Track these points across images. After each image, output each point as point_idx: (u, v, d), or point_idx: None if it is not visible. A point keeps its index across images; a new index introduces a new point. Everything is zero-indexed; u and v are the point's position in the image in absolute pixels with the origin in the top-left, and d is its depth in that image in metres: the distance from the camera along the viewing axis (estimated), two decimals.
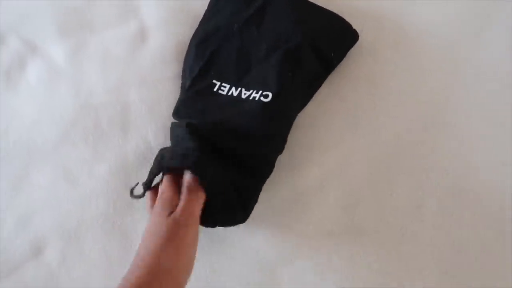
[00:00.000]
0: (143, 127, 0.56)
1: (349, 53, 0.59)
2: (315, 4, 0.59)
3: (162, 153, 0.46)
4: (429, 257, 0.50)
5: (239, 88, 0.53)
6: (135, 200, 0.44)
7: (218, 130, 0.48)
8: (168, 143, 0.53)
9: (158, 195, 0.43)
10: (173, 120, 0.54)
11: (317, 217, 0.52)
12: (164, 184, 0.44)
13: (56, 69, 0.60)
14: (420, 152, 0.55)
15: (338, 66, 0.58)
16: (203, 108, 0.52)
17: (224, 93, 0.53)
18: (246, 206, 0.47)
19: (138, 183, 0.45)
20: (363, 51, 0.60)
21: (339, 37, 0.58)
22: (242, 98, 0.52)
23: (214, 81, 0.54)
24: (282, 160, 0.52)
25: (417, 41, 0.61)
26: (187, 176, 0.43)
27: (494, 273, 0.50)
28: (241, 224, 0.48)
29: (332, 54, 0.57)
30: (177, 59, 0.59)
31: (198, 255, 0.50)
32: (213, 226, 0.49)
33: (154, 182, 0.46)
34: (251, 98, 0.51)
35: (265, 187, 0.49)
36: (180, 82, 0.58)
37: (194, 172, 0.43)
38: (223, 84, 0.54)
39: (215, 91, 0.53)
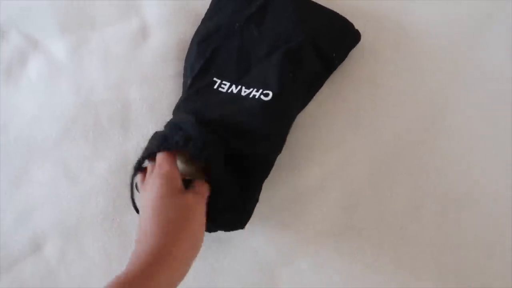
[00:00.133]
0: (143, 125, 0.56)
1: (350, 53, 0.59)
2: (317, 4, 0.59)
3: (164, 134, 0.45)
4: (428, 258, 0.50)
5: (239, 86, 0.53)
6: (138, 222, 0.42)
7: (217, 127, 0.48)
8: None
9: (155, 169, 0.40)
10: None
11: (317, 217, 0.52)
12: (161, 158, 0.40)
13: (57, 66, 0.60)
14: (420, 153, 0.55)
15: (339, 66, 0.58)
16: (202, 105, 0.51)
17: (224, 90, 0.53)
18: (245, 206, 0.47)
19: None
20: (364, 51, 0.60)
21: (340, 37, 0.58)
22: (242, 96, 0.51)
23: (214, 78, 0.54)
24: (282, 160, 0.52)
25: (418, 42, 0.61)
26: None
27: (493, 274, 0.50)
28: None
29: (334, 54, 0.57)
30: (178, 57, 0.59)
31: (198, 254, 0.50)
32: (215, 230, 0.49)
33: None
34: (251, 96, 0.51)
35: (265, 186, 0.49)
36: (182, 80, 0.58)
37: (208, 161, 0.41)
38: (224, 82, 0.54)
39: (215, 89, 0.53)
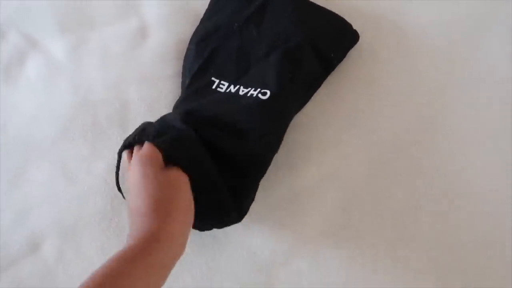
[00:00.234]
0: None
1: (348, 53, 0.59)
2: (315, 4, 0.59)
3: (143, 127, 0.46)
4: (427, 258, 0.50)
5: (238, 86, 0.53)
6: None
7: (213, 126, 0.48)
8: None
9: (136, 153, 0.42)
10: None
11: (315, 217, 0.52)
12: (144, 146, 0.42)
13: (56, 65, 0.60)
14: (418, 153, 0.55)
15: (337, 66, 0.58)
16: (200, 104, 0.51)
17: (223, 90, 0.53)
18: (240, 205, 0.47)
19: None
20: (362, 52, 0.60)
21: (339, 37, 0.58)
22: (240, 95, 0.52)
23: (213, 78, 0.54)
24: (279, 159, 0.52)
25: (417, 42, 0.61)
26: None
27: (492, 275, 0.50)
28: (238, 223, 0.48)
29: (332, 54, 0.57)
30: (177, 57, 0.59)
31: (194, 253, 0.50)
32: (210, 228, 0.49)
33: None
34: (248, 95, 0.51)
35: (262, 186, 0.49)
36: (180, 80, 0.58)
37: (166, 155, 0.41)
38: (222, 82, 0.54)
39: (213, 89, 0.53)
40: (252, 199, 0.49)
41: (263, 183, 0.50)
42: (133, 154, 0.43)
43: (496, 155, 0.55)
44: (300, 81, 0.53)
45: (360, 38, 0.59)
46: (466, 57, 0.60)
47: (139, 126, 0.46)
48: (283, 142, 0.52)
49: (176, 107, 0.54)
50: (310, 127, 0.56)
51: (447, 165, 0.54)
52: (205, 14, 0.61)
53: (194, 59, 0.56)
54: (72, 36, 0.62)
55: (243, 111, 0.49)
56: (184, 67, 0.58)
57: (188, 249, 0.50)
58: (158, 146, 0.42)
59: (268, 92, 0.50)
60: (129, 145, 0.45)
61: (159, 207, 0.38)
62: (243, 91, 0.52)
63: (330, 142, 0.55)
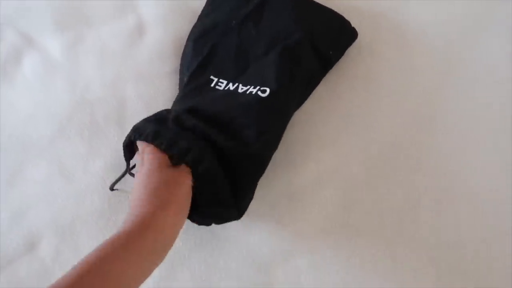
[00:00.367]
0: None
1: (346, 51, 0.59)
2: (314, 2, 0.59)
3: (138, 126, 0.45)
4: (426, 256, 0.50)
5: (236, 84, 0.53)
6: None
7: (212, 123, 0.47)
8: None
9: (142, 152, 0.43)
10: None
11: (313, 215, 0.52)
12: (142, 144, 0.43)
13: (53, 63, 0.59)
14: (416, 151, 0.55)
15: (336, 64, 0.58)
16: (198, 102, 0.51)
17: (221, 88, 0.53)
18: (238, 204, 0.46)
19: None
20: (361, 49, 0.60)
21: (338, 35, 0.58)
22: (239, 92, 0.51)
23: (211, 77, 0.54)
24: (278, 157, 0.52)
25: (415, 40, 0.61)
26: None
27: (491, 274, 0.50)
28: (236, 221, 0.48)
29: (331, 52, 0.57)
30: (175, 55, 0.59)
31: (193, 251, 0.50)
32: (208, 224, 0.49)
33: None
34: (247, 92, 0.51)
35: (260, 183, 0.49)
36: (178, 77, 0.57)
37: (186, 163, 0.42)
38: (221, 79, 0.54)
39: (212, 87, 0.53)
40: (251, 198, 0.49)
41: (261, 180, 0.49)
42: (141, 153, 0.43)
43: (496, 154, 0.55)
44: (299, 78, 0.53)
45: (359, 35, 0.59)
46: (465, 55, 0.60)
47: (132, 127, 0.46)
48: (281, 140, 0.52)
49: (175, 105, 0.54)
50: (309, 124, 0.56)
51: (446, 163, 0.54)
52: (203, 11, 0.60)
53: (192, 56, 0.56)
54: (68, 34, 0.61)
55: (242, 107, 0.49)
56: (182, 64, 0.58)
57: (187, 246, 0.51)
58: (158, 147, 0.42)
59: (268, 90, 0.50)
60: (127, 145, 0.45)
61: (155, 198, 0.39)
62: (242, 88, 0.52)
63: (329, 140, 0.55)
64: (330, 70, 0.58)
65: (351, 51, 0.59)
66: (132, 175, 0.48)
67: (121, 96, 0.57)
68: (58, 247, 0.51)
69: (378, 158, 0.55)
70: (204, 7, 0.60)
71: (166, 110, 0.49)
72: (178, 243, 0.51)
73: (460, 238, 0.51)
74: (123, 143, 0.46)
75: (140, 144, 0.44)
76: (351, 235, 0.51)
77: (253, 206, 0.49)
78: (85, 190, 0.53)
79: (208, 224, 0.48)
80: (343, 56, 0.59)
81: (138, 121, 0.56)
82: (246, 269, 0.50)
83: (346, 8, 0.60)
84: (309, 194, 0.53)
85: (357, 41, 0.60)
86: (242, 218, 0.48)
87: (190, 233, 0.51)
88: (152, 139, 0.42)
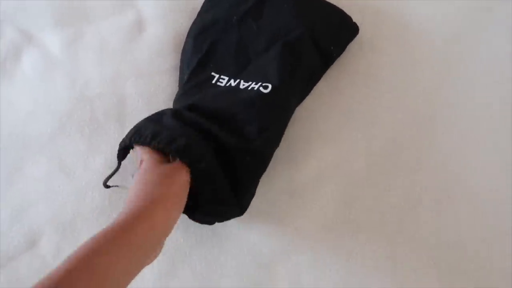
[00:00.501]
0: (139, 119, 0.55)
1: (348, 46, 0.59)
2: None
3: (138, 127, 0.45)
4: (426, 253, 0.50)
5: (238, 80, 0.52)
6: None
7: (213, 120, 0.47)
8: None
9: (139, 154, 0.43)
10: None
11: (313, 212, 0.52)
12: (142, 150, 0.43)
13: (52, 60, 0.59)
14: (417, 148, 0.55)
15: (337, 59, 0.58)
16: (200, 99, 0.51)
17: (223, 85, 0.53)
18: (240, 201, 0.46)
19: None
20: (362, 45, 0.60)
21: (339, 30, 0.58)
22: (240, 89, 0.51)
23: (213, 73, 0.54)
24: (279, 153, 0.52)
25: (417, 36, 0.61)
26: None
27: (491, 272, 0.50)
28: (237, 218, 0.48)
29: (332, 48, 0.56)
30: (175, 51, 0.59)
31: (194, 248, 0.50)
32: (210, 222, 0.48)
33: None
34: (249, 88, 0.50)
35: (261, 180, 0.49)
36: (178, 74, 0.57)
37: (180, 157, 0.41)
38: (222, 76, 0.53)
39: (213, 83, 0.53)
40: (253, 194, 0.49)
41: (262, 177, 0.49)
42: (139, 153, 0.43)
43: (494, 151, 0.55)
44: (300, 74, 0.53)
45: (360, 31, 0.59)
46: (465, 55, 0.60)
47: (133, 127, 0.46)
48: (283, 136, 0.51)
49: (175, 101, 0.53)
50: (310, 120, 0.56)
51: (447, 162, 0.54)
52: (202, 7, 0.60)
53: (192, 53, 0.56)
54: (68, 30, 0.61)
55: (244, 104, 0.49)
56: (182, 61, 0.57)
57: (188, 243, 0.51)
58: (155, 147, 0.42)
59: (270, 86, 0.50)
60: (125, 147, 0.44)
61: (148, 193, 0.39)
62: (243, 85, 0.51)
63: (330, 136, 0.55)
64: (331, 66, 0.58)
65: (352, 46, 0.59)
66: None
67: (121, 93, 0.57)
68: (59, 244, 0.51)
69: (379, 155, 0.54)
70: (204, 4, 0.60)
71: (169, 109, 0.48)
72: (179, 240, 0.51)
73: (460, 238, 0.51)
74: (121, 144, 0.45)
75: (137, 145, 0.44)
76: (352, 232, 0.51)
77: (254, 203, 0.49)
78: (86, 187, 0.53)
79: (210, 223, 0.48)
80: (344, 52, 0.58)
81: (138, 119, 0.55)
82: (246, 266, 0.50)
83: (347, 4, 0.59)
84: (310, 190, 0.52)
85: (358, 37, 0.59)
86: (243, 215, 0.48)
87: (191, 230, 0.51)
88: (150, 141, 0.42)
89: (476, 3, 0.63)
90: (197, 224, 0.49)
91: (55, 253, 0.51)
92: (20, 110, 0.57)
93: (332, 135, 0.55)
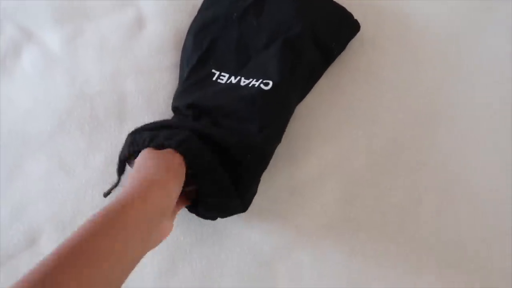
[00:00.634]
0: (139, 117, 0.56)
1: (349, 44, 0.58)
2: None
3: (134, 138, 0.44)
4: (427, 251, 0.50)
5: (238, 77, 0.52)
6: None
7: (214, 117, 0.47)
8: None
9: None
10: (170, 110, 0.53)
11: (314, 210, 0.51)
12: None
13: (52, 57, 0.59)
14: (418, 146, 0.55)
15: (338, 57, 0.58)
16: (200, 96, 0.51)
17: (223, 82, 0.52)
18: (242, 198, 0.46)
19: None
20: (363, 42, 0.59)
21: (340, 27, 0.57)
22: (241, 85, 0.51)
23: (213, 70, 0.54)
24: (280, 150, 0.51)
25: (419, 34, 0.61)
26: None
27: (492, 271, 0.50)
28: (238, 215, 0.48)
29: (333, 45, 0.56)
30: (175, 48, 0.58)
31: (195, 246, 0.50)
32: (213, 218, 0.48)
33: None
34: (250, 85, 0.50)
35: (262, 178, 0.49)
36: (178, 71, 0.57)
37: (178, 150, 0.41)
38: (222, 73, 0.53)
39: (214, 80, 0.53)
40: (255, 192, 0.48)
41: (263, 175, 0.49)
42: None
43: (496, 150, 0.55)
44: (301, 71, 0.52)
45: (361, 28, 0.59)
46: (465, 55, 0.59)
47: (129, 139, 0.45)
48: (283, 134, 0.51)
49: (175, 99, 0.53)
50: (310, 118, 0.55)
51: (447, 162, 0.54)
52: (202, 4, 0.60)
53: (192, 50, 0.55)
54: (68, 27, 0.61)
55: (245, 101, 0.48)
56: (182, 58, 0.57)
57: (188, 241, 0.50)
58: (153, 146, 0.42)
59: (271, 83, 0.49)
60: (124, 159, 0.44)
61: (142, 175, 0.38)
62: (244, 82, 0.51)
63: (331, 133, 0.55)
64: (333, 63, 0.57)
65: (354, 43, 0.59)
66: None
67: (121, 90, 0.57)
68: (58, 242, 0.50)
69: (380, 154, 0.54)
70: (204, 1, 0.60)
71: (165, 120, 0.48)
72: (179, 237, 0.50)
73: (460, 238, 0.51)
74: (120, 156, 0.44)
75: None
76: (353, 230, 0.51)
77: (255, 200, 0.49)
78: (86, 185, 0.53)
79: (213, 218, 0.48)
80: (345, 49, 0.58)
81: (138, 116, 0.56)
82: (247, 264, 0.49)
83: (348, 1, 0.59)
84: (310, 188, 0.52)
85: (359, 34, 0.59)
86: (243, 213, 0.47)
87: (191, 228, 0.51)
88: (148, 143, 0.42)
89: (477, 3, 0.62)
90: (197, 222, 0.49)
91: None
92: (19, 107, 0.57)
93: (333, 133, 0.55)
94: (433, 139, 0.55)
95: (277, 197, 0.52)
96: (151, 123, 0.46)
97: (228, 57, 0.54)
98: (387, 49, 0.59)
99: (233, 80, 0.52)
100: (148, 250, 0.37)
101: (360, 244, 0.50)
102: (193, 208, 0.46)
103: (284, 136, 0.51)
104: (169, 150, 0.41)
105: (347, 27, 0.58)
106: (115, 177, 0.52)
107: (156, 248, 0.49)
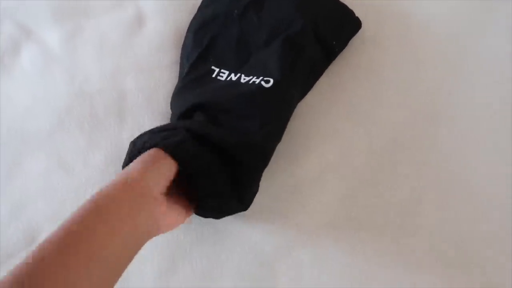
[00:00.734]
0: (139, 115, 0.55)
1: (350, 41, 0.58)
2: None
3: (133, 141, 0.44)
4: (429, 250, 0.50)
5: (238, 74, 0.52)
6: None
7: (212, 114, 0.46)
8: None
9: None
10: (170, 108, 0.53)
11: (315, 209, 0.51)
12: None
13: (51, 55, 0.59)
14: (420, 144, 0.54)
15: (339, 54, 0.57)
16: (199, 93, 0.50)
17: (223, 79, 0.52)
18: (242, 197, 0.45)
19: None
20: (365, 40, 0.59)
21: (341, 25, 0.57)
22: (241, 82, 0.50)
23: (213, 67, 0.53)
24: (280, 149, 0.51)
25: (420, 32, 0.60)
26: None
27: (494, 268, 0.49)
28: (238, 214, 0.48)
29: (334, 42, 0.56)
30: (175, 46, 0.58)
31: (195, 245, 0.50)
32: (216, 217, 0.48)
33: None
34: (250, 82, 0.50)
35: (263, 175, 0.48)
36: (178, 69, 0.57)
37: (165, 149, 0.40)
38: (222, 70, 0.53)
39: (213, 77, 0.52)
40: (256, 190, 0.48)
41: (264, 173, 0.49)
42: None
43: (498, 147, 0.54)
44: (302, 68, 0.52)
45: (363, 25, 0.58)
46: (465, 55, 0.59)
47: (129, 147, 0.45)
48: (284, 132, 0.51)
49: (175, 95, 0.53)
50: (310, 115, 0.55)
51: (450, 156, 0.54)
52: (202, 1, 0.59)
53: (192, 47, 0.55)
54: (67, 25, 0.60)
55: (244, 98, 0.48)
56: (182, 56, 0.57)
57: (188, 240, 0.50)
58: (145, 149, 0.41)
59: (272, 80, 0.49)
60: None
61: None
62: (244, 79, 0.51)
63: (331, 132, 0.54)
64: (334, 61, 0.57)
65: (355, 41, 0.59)
66: None
67: (121, 88, 0.57)
68: None
69: (381, 150, 0.54)
70: None
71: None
72: (179, 236, 0.50)
73: (463, 233, 0.50)
74: (123, 165, 0.44)
75: None
76: (354, 229, 0.51)
77: (256, 199, 0.48)
78: (85, 183, 0.53)
79: (216, 217, 0.48)
80: (346, 47, 0.58)
81: (138, 114, 0.56)
82: (248, 263, 0.49)
83: (350, 0, 0.59)
84: (311, 186, 0.52)
85: (361, 31, 0.58)
86: (244, 212, 0.47)
87: (191, 227, 0.51)
88: (141, 148, 0.41)
89: (477, 3, 0.62)
90: (197, 220, 0.49)
91: None
92: (19, 105, 0.56)
93: (334, 131, 0.55)
94: (435, 136, 0.55)
95: (277, 196, 0.52)
96: (150, 129, 0.46)
97: (228, 54, 0.54)
98: (388, 48, 0.59)
99: (233, 77, 0.51)
100: (145, 237, 0.37)
101: (362, 243, 0.50)
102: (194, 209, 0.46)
103: (284, 134, 0.51)
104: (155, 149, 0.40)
105: (348, 24, 0.58)
106: (114, 176, 0.53)
107: (156, 247, 0.49)
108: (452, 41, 0.60)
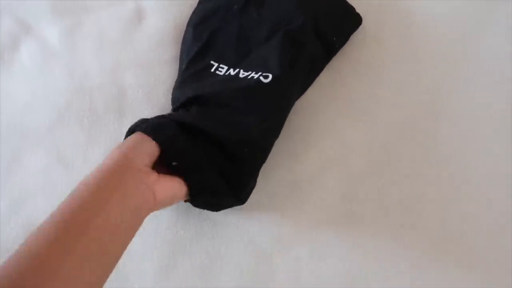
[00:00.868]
0: (139, 111, 0.55)
1: (351, 37, 0.58)
2: None
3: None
4: (429, 246, 0.50)
5: (237, 69, 0.51)
6: None
7: (210, 108, 0.46)
8: None
9: None
10: (170, 103, 0.53)
11: (315, 204, 0.51)
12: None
13: (50, 50, 0.59)
14: (420, 141, 0.54)
15: (340, 50, 0.57)
16: (198, 87, 0.50)
17: (221, 73, 0.52)
18: (239, 193, 0.45)
19: None
20: (365, 36, 0.59)
21: (341, 20, 0.57)
22: (240, 77, 0.50)
23: (212, 62, 0.53)
24: (279, 144, 0.51)
25: (421, 29, 0.60)
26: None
27: (495, 265, 0.49)
28: (237, 210, 0.48)
29: (334, 38, 0.56)
30: (175, 41, 0.58)
31: (194, 240, 0.50)
32: (214, 209, 0.48)
33: None
34: (249, 77, 0.50)
35: (261, 172, 0.48)
36: (178, 64, 0.56)
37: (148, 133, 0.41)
38: (221, 65, 0.53)
39: (212, 72, 0.52)
40: (252, 187, 0.48)
41: (262, 169, 0.49)
42: None
43: (498, 144, 0.54)
44: (302, 64, 0.52)
45: (363, 21, 0.58)
46: (465, 55, 0.59)
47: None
48: (283, 127, 0.51)
49: (174, 89, 0.53)
50: (310, 111, 0.55)
51: (450, 153, 0.54)
52: None
53: (192, 42, 0.55)
54: (66, 20, 0.60)
55: (243, 93, 0.48)
56: (182, 50, 0.57)
57: (187, 235, 0.50)
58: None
59: (270, 76, 0.49)
60: None
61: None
62: (243, 74, 0.50)
63: (331, 127, 0.54)
64: (334, 57, 0.57)
65: (356, 37, 0.58)
66: None
67: (120, 84, 0.56)
68: None
69: (381, 146, 0.54)
70: None
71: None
72: (179, 232, 0.50)
73: (463, 229, 0.50)
74: None
75: None
76: (353, 225, 0.51)
77: (254, 194, 0.48)
78: None
79: (214, 209, 0.47)
80: (347, 42, 0.58)
81: (138, 110, 0.56)
82: (247, 258, 0.49)
83: None
84: (311, 182, 0.52)
85: (361, 26, 0.58)
86: (243, 207, 0.47)
87: (191, 222, 0.51)
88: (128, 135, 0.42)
89: (478, 3, 0.62)
90: (197, 216, 0.49)
91: None
92: (18, 100, 0.56)
93: (333, 126, 0.54)
94: (435, 134, 0.55)
95: (276, 192, 0.51)
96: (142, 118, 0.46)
97: (228, 49, 0.54)
98: (389, 42, 0.59)
99: (232, 72, 0.51)
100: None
101: (361, 239, 0.50)
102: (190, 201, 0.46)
103: (283, 130, 0.51)
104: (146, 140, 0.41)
105: (349, 20, 0.58)
106: None
107: (156, 242, 0.49)
108: (451, 41, 0.60)
